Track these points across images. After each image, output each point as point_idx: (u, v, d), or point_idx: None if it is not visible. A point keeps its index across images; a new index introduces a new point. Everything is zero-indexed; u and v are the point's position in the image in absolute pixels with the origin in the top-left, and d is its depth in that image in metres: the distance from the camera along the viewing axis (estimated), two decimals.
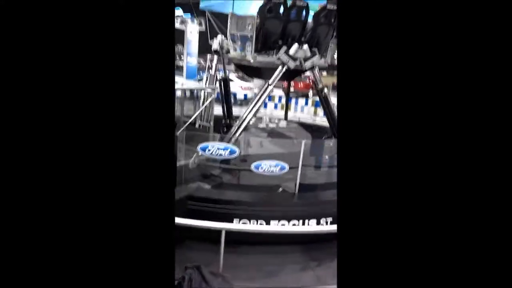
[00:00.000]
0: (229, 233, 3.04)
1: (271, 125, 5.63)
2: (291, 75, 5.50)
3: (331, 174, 4.10)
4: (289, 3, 4.63)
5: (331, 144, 4.50)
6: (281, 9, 4.52)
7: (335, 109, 5.54)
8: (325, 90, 5.06)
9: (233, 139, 4.37)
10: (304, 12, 4.70)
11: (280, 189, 3.96)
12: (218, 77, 6.07)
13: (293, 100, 7.98)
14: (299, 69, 4.88)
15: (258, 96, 4.70)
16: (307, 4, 4.66)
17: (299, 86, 16.94)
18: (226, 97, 6.24)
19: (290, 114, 8.03)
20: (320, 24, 4.80)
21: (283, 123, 5.74)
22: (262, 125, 5.56)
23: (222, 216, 3.22)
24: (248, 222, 3.34)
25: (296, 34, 4.79)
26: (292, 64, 4.64)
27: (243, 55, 4.86)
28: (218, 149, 3.36)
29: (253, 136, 5.14)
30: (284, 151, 4.72)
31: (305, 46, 4.74)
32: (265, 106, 9.34)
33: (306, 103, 8.44)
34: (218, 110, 6.27)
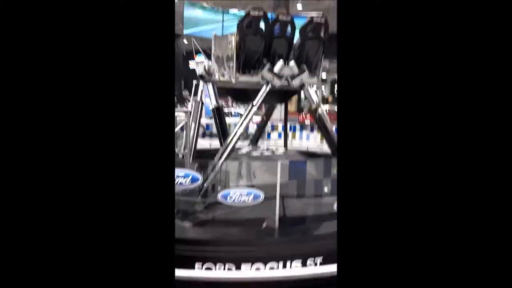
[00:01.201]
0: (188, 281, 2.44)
1: (267, 153, 5.08)
2: (282, 95, 5.02)
3: (322, 203, 3.43)
4: (272, 17, 4.30)
5: (317, 165, 3.85)
6: (262, 24, 4.16)
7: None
8: (319, 110, 4.51)
9: (216, 168, 3.87)
10: (289, 28, 4.32)
11: (264, 224, 3.33)
12: (210, 107, 5.72)
13: (297, 129, 7.40)
14: (289, 88, 4.42)
15: (242, 119, 4.24)
16: (292, 18, 4.29)
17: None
18: (221, 128, 5.83)
19: (295, 143, 7.47)
20: (308, 38, 4.37)
21: (280, 151, 5.17)
22: (256, 153, 5.02)
23: (181, 259, 2.63)
24: (213, 266, 2.71)
25: (283, 51, 4.38)
26: (277, 82, 4.19)
27: (227, 78, 4.49)
28: (177, 176, 2.84)
29: (244, 164, 4.60)
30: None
31: (292, 63, 4.30)
32: (269, 136, 8.83)
33: (312, 130, 7.85)
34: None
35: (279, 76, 4.18)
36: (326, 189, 3.55)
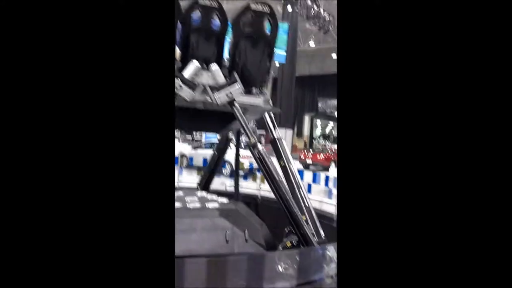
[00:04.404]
0: None
1: (193, 205, 3.42)
2: (222, 119, 3.44)
3: None
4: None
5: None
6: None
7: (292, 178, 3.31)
8: (259, 146, 2.88)
9: None
10: (216, 18, 2.85)
11: None
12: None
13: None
14: (213, 107, 2.87)
15: None
16: (220, 4, 2.82)
17: (318, 158, 14.79)
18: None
19: (266, 189, 5.75)
20: (243, 35, 2.88)
21: (214, 204, 3.49)
22: (177, 204, 3.37)
23: None
24: None
25: (208, 54, 2.89)
26: (187, 94, 2.65)
27: None
28: None
29: None
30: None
31: (214, 66, 2.78)
32: (245, 178, 7.17)
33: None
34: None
35: (190, 84, 2.66)
36: None
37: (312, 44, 21.54)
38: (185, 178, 6.82)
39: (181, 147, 13.61)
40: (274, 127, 3.56)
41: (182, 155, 12.02)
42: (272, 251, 3.08)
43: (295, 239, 3.07)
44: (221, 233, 3.07)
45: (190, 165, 9.93)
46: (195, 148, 13.54)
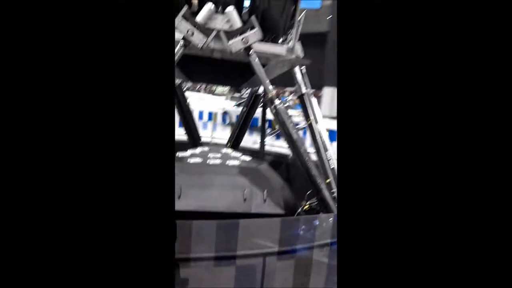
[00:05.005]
0: None
1: (213, 161, 3.33)
2: (244, 71, 3.18)
3: None
4: None
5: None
6: None
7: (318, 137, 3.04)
8: (276, 102, 2.59)
9: None
10: None
11: None
12: None
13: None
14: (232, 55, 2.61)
15: None
16: None
17: None
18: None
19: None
20: None
21: (236, 161, 3.36)
22: (196, 159, 3.31)
23: None
24: None
25: None
26: (198, 39, 2.41)
27: None
28: None
29: None
30: None
31: (230, 8, 2.47)
32: (251, 131, 6.85)
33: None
34: None
35: (203, 28, 2.40)
36: None
37: None
38: (220, 134, 6.78)
39: (226, 104, 13.54)
40: (304, 81, 3.24)
41: (225, 112, 12.01)
42: (291, 213, 2.93)
43: (315, 202, 2.88)
44: (239, 191, 2.96)
45: (223, 123, 9.87)
46: (238, 105, 13.43)
